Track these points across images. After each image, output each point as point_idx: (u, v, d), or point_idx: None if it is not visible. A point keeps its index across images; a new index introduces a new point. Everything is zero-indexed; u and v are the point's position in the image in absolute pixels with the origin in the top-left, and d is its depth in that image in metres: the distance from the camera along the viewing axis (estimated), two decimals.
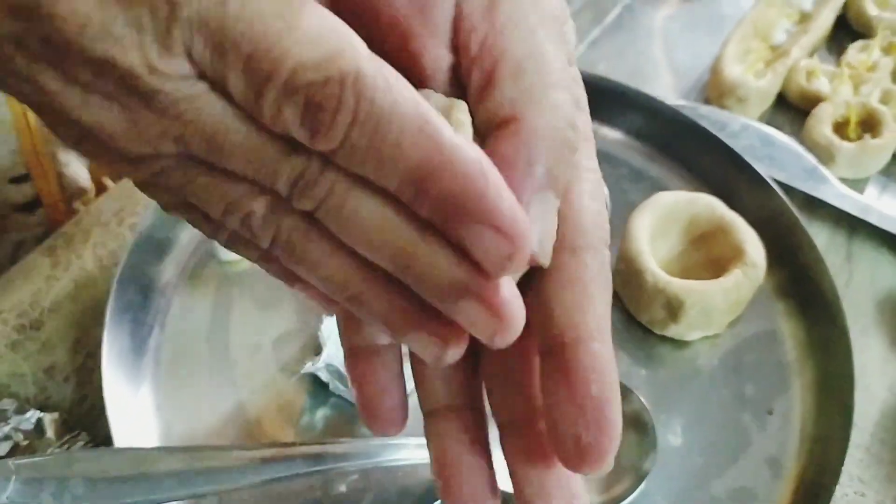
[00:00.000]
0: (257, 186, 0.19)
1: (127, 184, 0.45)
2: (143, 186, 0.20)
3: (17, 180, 0.44)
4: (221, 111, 0.18)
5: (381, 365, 0.22)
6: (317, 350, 0.38)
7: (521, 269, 0.18)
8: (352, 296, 0.19)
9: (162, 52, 0.17)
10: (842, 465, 0.34)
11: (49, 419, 0.36)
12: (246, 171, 0.18)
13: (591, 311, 0.20)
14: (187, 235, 0.42)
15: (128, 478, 0.32)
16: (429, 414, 0.22)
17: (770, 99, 0.51)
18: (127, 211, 0.44)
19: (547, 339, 0.20)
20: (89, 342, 0.39)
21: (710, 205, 0.42)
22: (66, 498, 0.31)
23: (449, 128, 0.18)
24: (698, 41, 0.55)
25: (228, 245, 0.20)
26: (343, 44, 0.17)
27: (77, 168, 0.47)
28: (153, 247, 0.41)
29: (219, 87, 0.18)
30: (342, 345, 0.23)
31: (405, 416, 0.22)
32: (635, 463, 0.36)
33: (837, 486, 0.35)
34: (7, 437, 0.35)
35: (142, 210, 0.42)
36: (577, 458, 0.19)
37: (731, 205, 0.43)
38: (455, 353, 0.19)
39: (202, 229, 0.20)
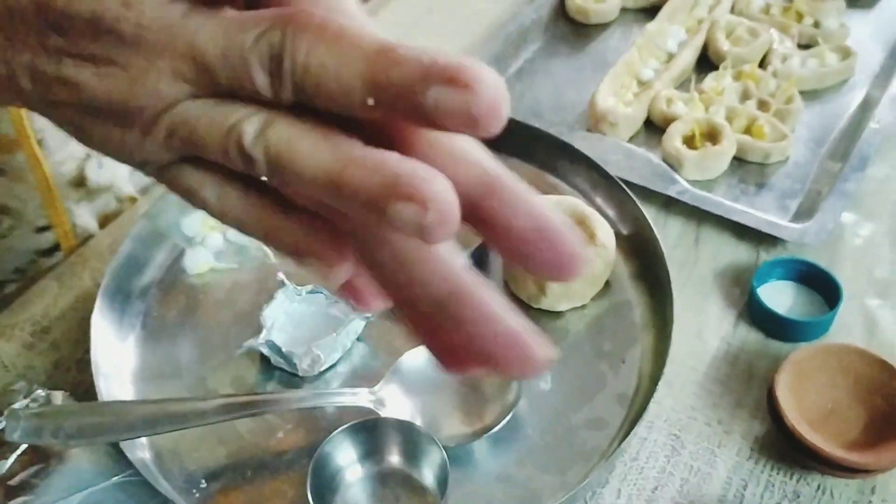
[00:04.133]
0: (246, 106, 0.20)
1: (117, 224, 0.57)
2: (156, 156, 0.22)
3: (42, 230, 0.55)
4: (195, 25, 0.20)
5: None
6: (259, 331, 0.49)
7: (491, 120, 0.18)
8: (337, 192, 0.19)
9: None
10: (655, 385, 0.44)
11: (58, 394, 0.46)
12: (230, 80, 0.20)
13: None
14: (161, 256, 0.54)
15: (108, 422, 0.42)
16: None
17: (638, 123, 0.63)
18: (116, 243, 0.56)
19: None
20: (87, 341, 0.50)
21: (572, 203, 0.53)
22: (61, 436, 0.41)
23: (379, 39, 0.19)
24: (584, 82, 0.67)
25: (214, 203, 0.22)
26: (277, 13, 0.20)
27: (88, 219, 0.58)
28: (132, 266, 0.52)
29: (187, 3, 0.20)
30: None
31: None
32: (503, 398, 0.46)
33: (676, 412, 0.45)
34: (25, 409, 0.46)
35: (123, 242, 0.53)
36: (555, 270, 0.20)
37: (596, 207, 0.54)
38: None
39: (195, 196, 0.22)
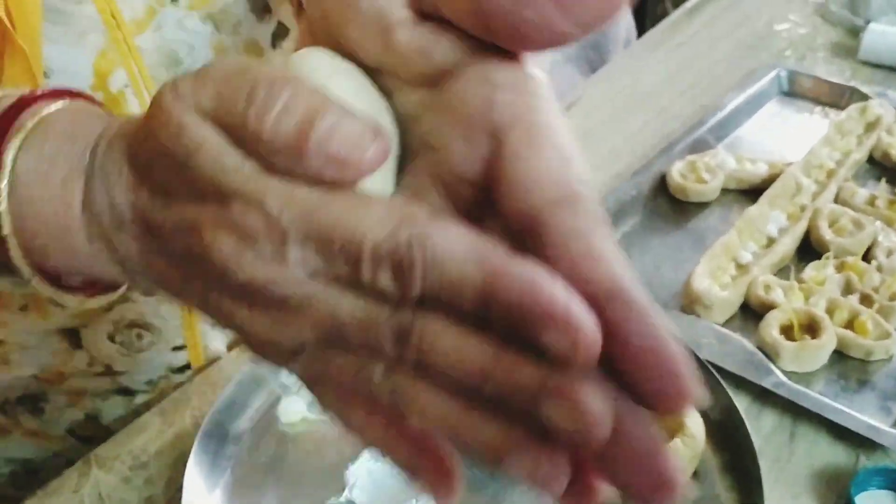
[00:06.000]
0: (374, 354, 0.23)
1: (219, 363, 0.61)
2: (299, 373, 0.25)
3: (177, 349, 0.59)
4: (334, 296, 0.23)
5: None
6: (342, 488, 0.49)
7: (593, 356, 0.19)
8: (452, 428, 0.22)
9: (281, 266, 0.23)
10: None
11: None
12: (361, 339, 0.23)
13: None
14: (257, 403, 0.56)
15: None
16: None
17: (734, 308, 0.62)
18: (219, 384, 0.59)
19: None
20: (180, 479, 0.52)
21: None
22: None
23: (503, 251, 0.21)
24: (681, 260, 0.68)
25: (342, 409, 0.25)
26: (402, 215, 0.22)
27: (219, 344, 0.62)
28: (231, 410, 0.55)
29: (327, 277, 0.23)
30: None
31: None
32: None
33: None
34: None
35: (226, 383, 0.56)
36: (666, 402, 0.20)
37: None
38: (552, 472, 0.21)
39: (326, 398, 0.25)
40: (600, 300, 0.20)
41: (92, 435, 0.59)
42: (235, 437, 0.54)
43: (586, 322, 0.20)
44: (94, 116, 0.30)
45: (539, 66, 0.25)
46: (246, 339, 0.25)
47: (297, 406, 0.56)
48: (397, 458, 0.24)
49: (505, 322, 0.21)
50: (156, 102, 0.25)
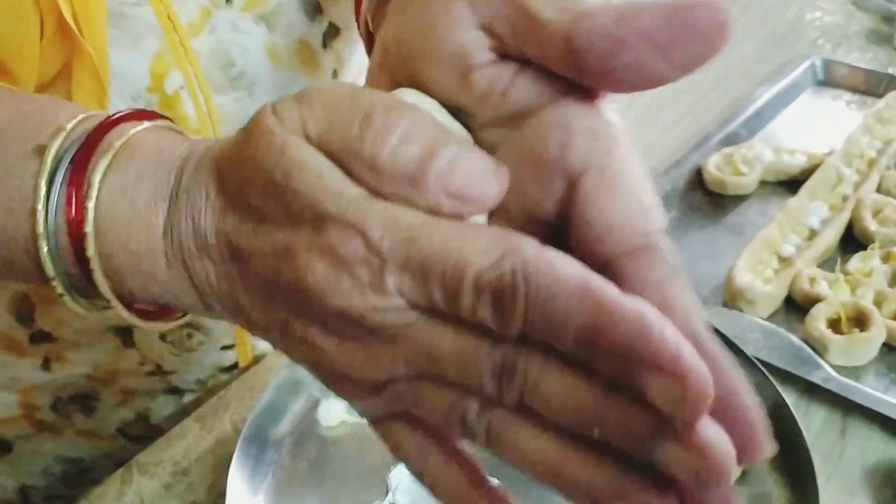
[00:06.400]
0: (469, 390, 0.22)
1: (257, 368, 0.60)
2: (375, 411, 0.25)
3: (226, 348, 0.59)
4: (431, 328, 0.22)
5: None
6: (385, 491, 0.49)
7: (704, 407, 0.19)
8: (553, 470, 0.21)
9: (379, 295, 0.22)
10: None
11: None
12: (459, 374, 0.22)
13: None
14: (296, 407, 0.56)
15: None
16: None
17: (778, 302, 0.61)
18: (257, 388, 0.58)
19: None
20: (222, 484, 0.51)
21: None
22: None
23: (612, 288, 0.20)
24: (720, 254, 0.67)
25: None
26: (507, 244, 0.21)
27: (265, 344, 0.61)
28: (271, 414, 0.54)
29: (425, 308, 0.22)
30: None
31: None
32: None
33: None
34: None
35: (264, 388, 0.56)
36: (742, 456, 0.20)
37: None
38: None
39: (399, 450, 0.25)
40: None
41: (141, 434, 0.59)
42: (276, 441, 0.54)
43: (697, 369, 0.19)
44: (178, 138, 0.30)
45: (616, 111, 0.24)
46: (326, 372, 0.24)
47: (336, 409, 0.56)
48: None
49: (608, 364, 0.20)
50: (255, 123, 0.24)
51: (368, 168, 0.22)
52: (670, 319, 0.20)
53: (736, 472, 0.48)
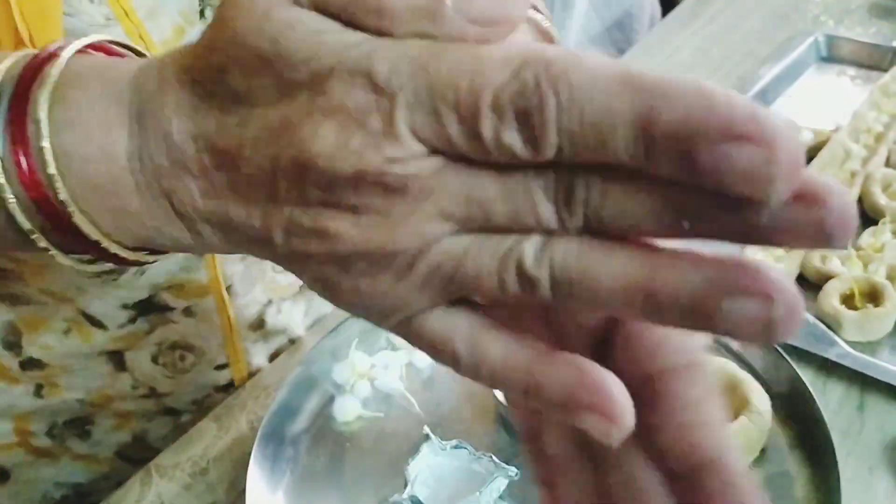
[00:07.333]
0: (523, 229, 0.19)
1: (272, 368, 0.60)
2: (409, 298, 0.21)
3: (220, 367, 0.59)
4: (465, 172, 0.19)
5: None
6: (403, 484, 0.49)
7: (800, 168, 0.16)
8: (641, 287, 0.18)
9: (393, 141, 0.19)
10: None
11: None
12: (510, 215, 0.19)
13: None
14: (311, 404, 0.56)
15: None
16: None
17: (790, 279, 0.61)
18: (272, 387, 0.58)
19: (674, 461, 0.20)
20: (241, 483, 0.52)
21: (722, 366, 0.51)
22: None
23: (652, 74, 0.17)
24: None
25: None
26: (526, 52, 0.18)
27: (261, 359, 0.61)
28: (287, 412, 0.55)
29: (450, 152, 0.19)
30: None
31: None
32: None
33: None
34: None
35: (279, 387, 0.56)
36: None
37: (749, 370, 0.52)
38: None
39: (444, 348, 0.21)
40: (702, 467, 0.20)
41: (139, 457, 0.58)
42: (293, 439, 0.54)
43: (779, 130, 0.16)
44: (128, 59, 0.26)
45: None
46: (345, 269, 0.21)
47: (351, 405, 0.56)
48: (549, 392, 0.20)
49: (676, 161, 0.16)
50: (228, 2, 0.22)
51: (376, 14, 0.20)
52: (703, 436, 0.20)
53: (755, 448, 0.48)
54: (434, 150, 0.19)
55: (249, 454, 0.51)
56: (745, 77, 0.84)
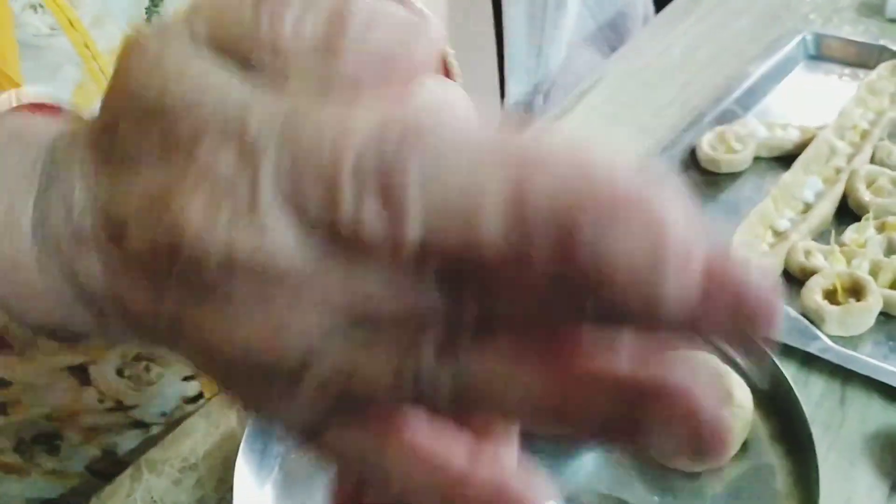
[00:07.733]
0: (416, 333, 0.17)
1: None
2: (302, 414, 0.18)
3: (188, 378, 0.58)
4: (349, 260, 0.16)
5: None
6: None
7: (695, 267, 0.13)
8: (551, 405, 0.16)
9: (260, 217, 0.16)
10: None
11: None
12: (398, 314, 0.16)
13: None
14: None
15: None
16: None
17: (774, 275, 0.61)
18: None
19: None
20: (230, 479, 0.52)
21: (705, 360, 0.52)
22: None
23: (531, 139, 0.15)
24: (717, 234, 0.67)
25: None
26: (389, 105, 0.16)
27: None
28: None
29: (321, 234, 0.16)
30: None
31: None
32: None
33: None
34: None
35: None
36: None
37: (731, 364, 0.53)
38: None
39: (345, 444, 0.18)
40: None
41: (110, 471, 0.57)
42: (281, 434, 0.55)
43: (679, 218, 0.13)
44: (53, 120, 0.23)
45: None
46: (236, 375, 0.18)
47: None
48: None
49: (555, 248, 0.14)
50: (126, 48, 0.19)
51: (271, 52, 0.17)
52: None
53: (737, 441, 0.49)
54: (312, 228, 0.16)
55: (238, 450, 0.52)
56: (734, 75, 0.84)
